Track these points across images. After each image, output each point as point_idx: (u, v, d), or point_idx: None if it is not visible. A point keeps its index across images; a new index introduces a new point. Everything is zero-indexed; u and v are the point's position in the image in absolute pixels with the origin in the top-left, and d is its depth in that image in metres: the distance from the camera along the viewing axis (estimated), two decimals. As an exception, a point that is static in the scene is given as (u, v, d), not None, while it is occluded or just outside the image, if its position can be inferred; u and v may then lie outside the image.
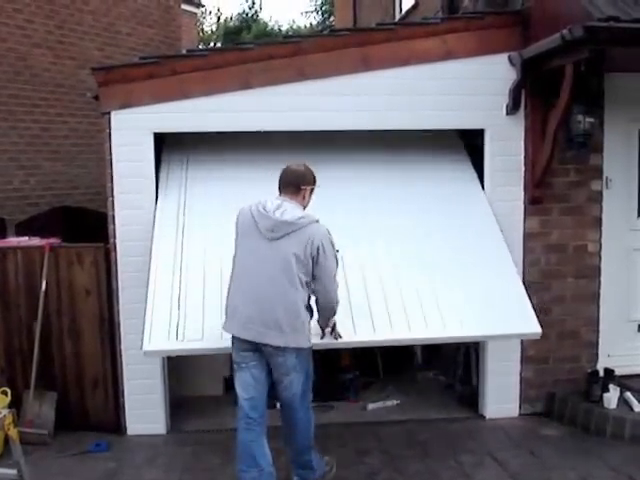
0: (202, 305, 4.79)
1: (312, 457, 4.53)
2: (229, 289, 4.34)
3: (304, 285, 4.20)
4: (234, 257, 4.34)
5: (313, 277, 4.24)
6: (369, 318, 4.78)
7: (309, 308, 4.33)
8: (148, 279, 4.95)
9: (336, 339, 4.54)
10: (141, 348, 4.53)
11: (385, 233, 5.29)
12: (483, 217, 5.61)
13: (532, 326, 5.06)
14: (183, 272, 5.01)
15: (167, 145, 5.74)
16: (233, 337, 4.30)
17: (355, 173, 5.69)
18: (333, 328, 4.52)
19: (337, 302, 4.38)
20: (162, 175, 5.58)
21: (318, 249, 4.17)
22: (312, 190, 4.43)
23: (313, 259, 4.18)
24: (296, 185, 4.34)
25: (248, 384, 4.31)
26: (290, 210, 4.23)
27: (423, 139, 5.84)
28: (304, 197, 4.38)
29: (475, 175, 5.84)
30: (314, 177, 4.43)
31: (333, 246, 4.29)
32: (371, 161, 5.79)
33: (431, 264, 5.23)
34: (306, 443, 4.48)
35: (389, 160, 5.80)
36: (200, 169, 5.66)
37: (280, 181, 4.38)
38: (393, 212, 5.47)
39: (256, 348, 4.24)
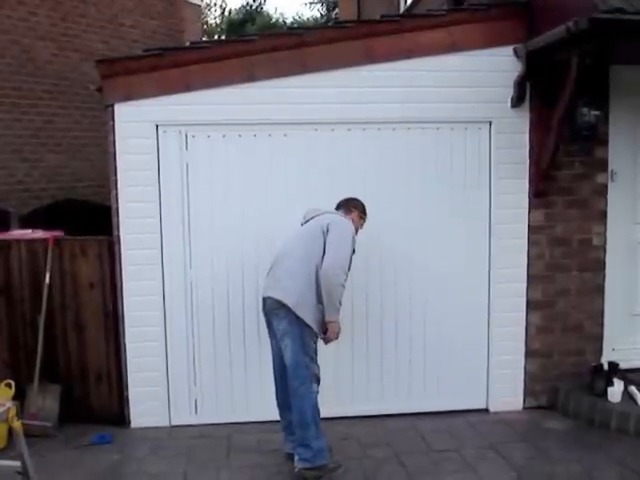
0: (215, 378, 5.67)
1: (309, 435, 4.60)
2: None
3: (317, 262, 4.56)
4: None
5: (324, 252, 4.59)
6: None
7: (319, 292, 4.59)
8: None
9: (325, 342, 4.76)
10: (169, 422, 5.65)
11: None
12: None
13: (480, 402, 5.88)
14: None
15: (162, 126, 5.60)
16: None
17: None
18: (327, 329, 4.65)
19: (337, 285, 4.51)
20: (162, 161, 5.53)
21: (329, 225, 4.67)
22: (360, 217, 5.04)
23: (324, 233, 4.63)
24: (347, 206, 5.03)
25: (272, 349, 4.90)
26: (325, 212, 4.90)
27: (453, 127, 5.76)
28: (353, 219, 4.95)
29: (487, 179, 5.80)
30: (365, 208, 5.08)
31: (350, 238, 4.68)
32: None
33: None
34: (300, 418, 4.61)
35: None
36: (199, 145, 5.60)
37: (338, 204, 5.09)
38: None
39: (268, 316, 4.77)
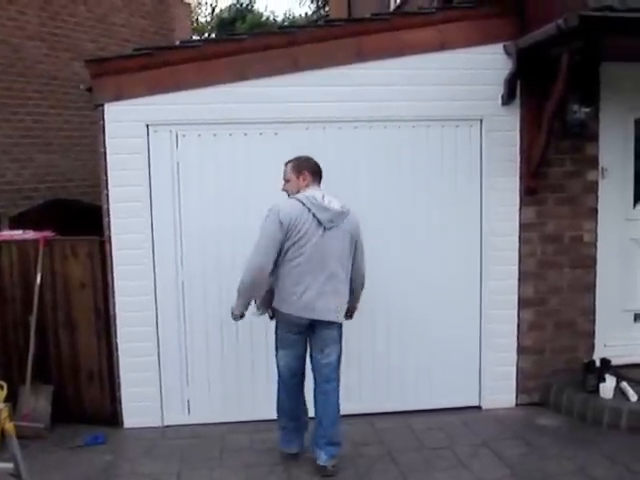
0: (207, 378, 5.69)
1: (340, 432, 4.79)
2: (287, 274, 4.59)
3: (349, 268, 4.74)
4: (291, 245, 4.56)
5: (353, 258, 4.76)
6: None
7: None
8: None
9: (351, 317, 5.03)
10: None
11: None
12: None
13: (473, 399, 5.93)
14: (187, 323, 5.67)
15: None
16: (287, 316, 4.65)
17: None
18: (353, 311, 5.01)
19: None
20: (153, 160, 5.51)
21: (357, 231, 4.76)
22: None
23: (356, 242, 4.74)
24: (321, 176, 4.86)
25: (293, 356, 4.79)
26: (332, 199, 4.68)
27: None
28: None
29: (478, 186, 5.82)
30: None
31: None
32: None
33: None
34: (335, 416, 4.77)
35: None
36: (190, 145, 5.57)
37: (316, 172, 4.81)
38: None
39: (307, 326, 4.67)
